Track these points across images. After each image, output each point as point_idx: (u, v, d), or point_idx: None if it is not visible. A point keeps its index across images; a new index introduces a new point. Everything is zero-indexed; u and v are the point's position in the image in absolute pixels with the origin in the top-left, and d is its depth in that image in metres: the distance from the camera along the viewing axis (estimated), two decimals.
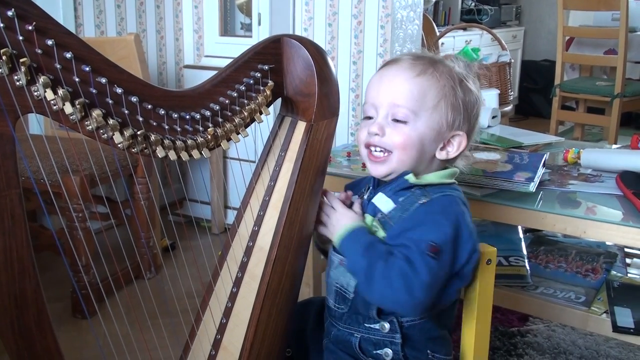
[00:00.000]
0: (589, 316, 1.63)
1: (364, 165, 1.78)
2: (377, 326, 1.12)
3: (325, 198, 1.20)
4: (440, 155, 1.14)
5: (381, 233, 1.11)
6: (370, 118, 1.14)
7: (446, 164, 1.17)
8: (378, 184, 1.18)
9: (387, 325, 1.11)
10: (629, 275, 1.84)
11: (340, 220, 1.13)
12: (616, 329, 1.57)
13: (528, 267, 1.82)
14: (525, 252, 1.90)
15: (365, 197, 1.19)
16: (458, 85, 1.12)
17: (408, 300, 1.00)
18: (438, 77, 1.11)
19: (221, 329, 1.18)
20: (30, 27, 0.86)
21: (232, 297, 1.18)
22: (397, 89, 1.10)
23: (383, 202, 1.13)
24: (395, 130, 1.10)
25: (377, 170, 1.14)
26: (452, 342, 1.21)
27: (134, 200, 2.45)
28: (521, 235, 2.00)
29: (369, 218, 1.14)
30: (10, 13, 0.84)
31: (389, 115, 1.11)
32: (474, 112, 1.16)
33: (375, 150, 1.13)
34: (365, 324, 1.13)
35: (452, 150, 1.14)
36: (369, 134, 1.12)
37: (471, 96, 1.15)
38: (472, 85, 1.15)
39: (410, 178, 1.10)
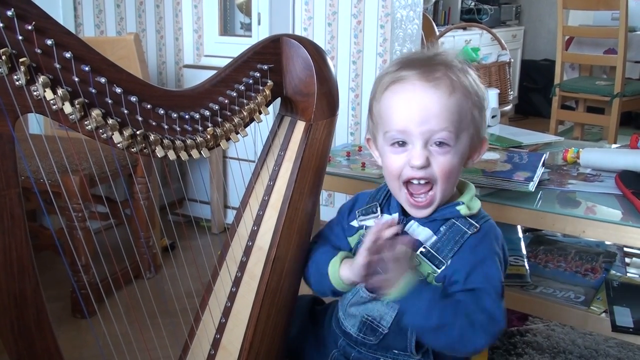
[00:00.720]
0: (588, 315, 1.63)
1: (363, 165, 1.78)
2: (407, 353, 1.08)
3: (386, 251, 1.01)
4: (468, 164, 1.08)
5: (427, 268, 1.04)
6: (401, 144, 1.03)
7: None
8: (403, 210, 1.10)
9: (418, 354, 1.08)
10: (628, 274, 1.84)
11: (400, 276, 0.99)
12: (615, 328, 1.58)
13: (527, 267, 1.82)
14: (524, 251, 1.90)
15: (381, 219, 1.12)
16: (475, 85, 1.05)
17: (486, 346, 1.01)
18: (465, 86, 1.02)
19: (220, 329, 1.18)
20: (29, 27, 0.86)
21: (232, 296, 1.18)
22: (435, 115, 0.99)
23: (420, 232, 1.07)
24: (439, 157, 1.01)
25: (421, 213, 1.06)
26: None
27: (133, 200, 2.45)
28: (520, 234, 2.00)
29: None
30: (9, 13, 0.84)
31: (428, 142, 1.00)
32: (487, 107, 1.09)
33: (419, 183, 1.03)
34: (395, 350, 1.09)
35: (476, 157, 1.09)
36: (412, 167, 1.01)
37: (482, 91, 1.07)
38: (477, 78, 1.08)
39: (463, 209, 1.05)
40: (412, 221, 1.08)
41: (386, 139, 1.05)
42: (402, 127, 1.01)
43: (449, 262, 1.03)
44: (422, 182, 1.03)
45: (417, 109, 1.00)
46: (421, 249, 1.05)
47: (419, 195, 1.04)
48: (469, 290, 1.00)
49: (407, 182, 1.05)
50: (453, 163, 1.02)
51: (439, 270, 1.03)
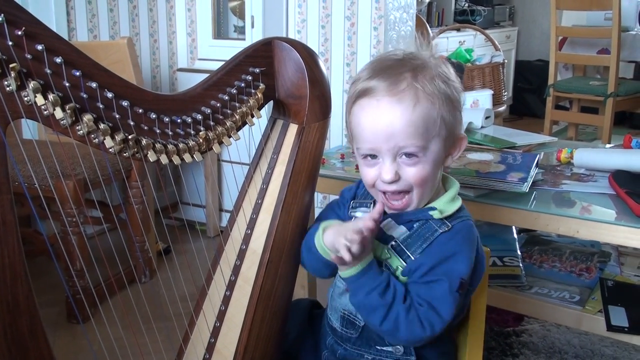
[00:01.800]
0: (584, 315, 1.63)
1: (357, 167, 1.78)
2: (389, 348, 1.10)
3: (359, 221, 1.02)
4: (447, 162, 1.09)
5: (395, 261, 1.06)
6: (373, 157, 1.05)
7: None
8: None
9: (400, 348, 1.09)
10: (622, 274, 1.84)
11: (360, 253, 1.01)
12: (610, 327, 1.58)
13: (522, 267, 1.82)
14: (519, 252, 1.90)
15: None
16: (444, 84, 1.03)
17: (427, 338, 1.02)
18: (431, 93, 1.01)
19: (215, 333, 1.18)
20: (19, 32, 0.86)
21: (226, 300, 1.18)
22: (399, 131, 1.00)
23: (394, 228, 1.08)
24: (408, 170, 1.02)
25: (396, 206, 1.07)
26: None
27: (127, 204, 2.45)
28: (515, 235, 2.00)
29: (376, 244, 1.08)
30: None
31: (396, 155, 1.02)
32: (462, 102, 1.08)
33: (395, 201, 1.06)
34: (377, 347, 1.10)
35: (456, 153, 1.10)
36: (382, 181, 1.04)
37: (455, 87, 1.06)
38: (450, 73, 1.06)
39: (436, 214, 1.06)
40: (389, 219, 1.10)
41: (358, 153, 1.08)
42: (371, 145, 1.03)
43: (417, 257, 1.05)
44: (397, 200, 1.06)
45: (383, 126, 1.01)
46: (392, 242, 1.07)
47: (395, 200, 1.07)
48: (424, 283, 1.02)
49: (384, 193, 1.07)
50: (424, 172, 1.03)
51: (405, 264, 1.05)
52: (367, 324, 1.07)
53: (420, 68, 1.03)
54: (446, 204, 1.08)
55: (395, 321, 1.00)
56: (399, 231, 1.08)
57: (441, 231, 1.05)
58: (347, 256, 0.98)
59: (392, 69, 1.03)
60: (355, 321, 1.11)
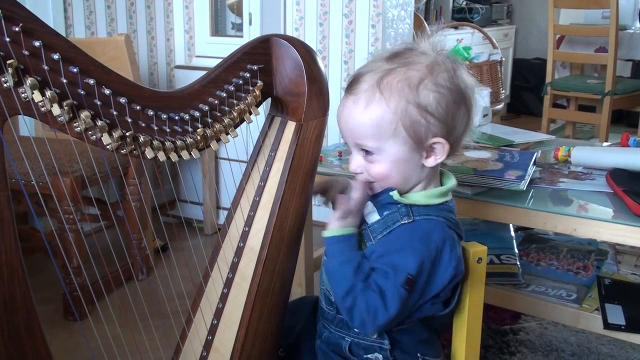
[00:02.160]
0: (581, 313, 1.64)
1: None
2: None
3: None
4: (429, 163, 1.07)
5: (362, 244, 1.10)
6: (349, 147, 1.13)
7: (441, 167, 1.15)
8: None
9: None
10: (619, 272, 1.85)
11: (347, 217, 1.09)
12: (607, 326, 1.58)
13: (519, 265, 1.82)
14: (516, 250, 1.91)
15: None
16: (415, 93, 1.02)
17: (369, 326, 1.03)
18: (387, 100, 1.02)
19: (212, 330, 1.18)
20: (17, 29, 0.86)
21: (223, 298, 1.18)
22: (353, 130, 1.06)
23: (369, 212, 1.12)
24: (369, 163, 1.08)
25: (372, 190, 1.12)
26: (444, 340, 1.21)
27: (124, 201, 2.44)
28: (512, 233, 2.00)
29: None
30: None
31: (359, 150, 1.08)
32: (445, 109, 1.04)
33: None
34: (355, 329, 1.12)
35: (439, 156, 1.07)
36: (353, 171, 1.11)
37: (433, 97, 1.03)
38: (439, 79, 1.04)
39: (395, 195, 1.07)
40: (368, 202, 1.13)
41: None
42: (342, 137, 1.12)
43: (375, 242, 1.08)
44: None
45: (342, 122, 1.09)
46: (363, 226, 1.11)
47: (368, 187, 1.11)
48: (378, 269, 1.04)
49: None
50: (382, 169, 1.07)
51: (365, 248, 1.09)
52: (332, 291, 1.09)
53: (395, 71, 1.03)
54: (416, 196, 1.09)
55: (354, 299, 1.02)
56: (373, 217, 1.11)
57: (402, 222, 1.06)
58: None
59: (371, 66, 1.07)
60: (330, 297, 1.14)
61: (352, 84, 1.07)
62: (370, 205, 1.12)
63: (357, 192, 1.09)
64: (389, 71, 1.04)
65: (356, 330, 1.11)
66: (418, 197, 1.08)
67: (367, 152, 1.07)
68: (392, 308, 1.00)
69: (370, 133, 1.04)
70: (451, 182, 1.14)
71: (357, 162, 1.09)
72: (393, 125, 1.03)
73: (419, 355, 1.13)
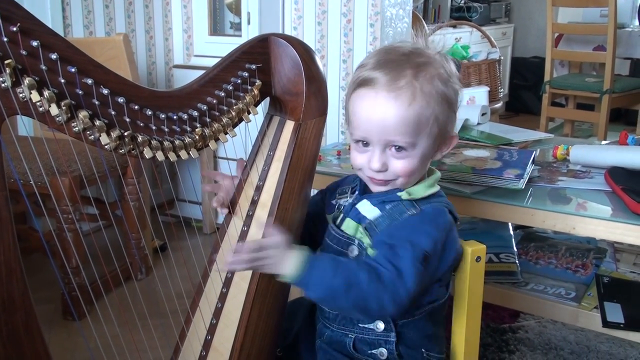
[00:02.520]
0: (579, 312, 1.64)
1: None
2: (371, 326, 1.11)
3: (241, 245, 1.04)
4: (436, 156, 1.13)
5: (366, 239, 1.10)
6: (365, 144, 1.09)
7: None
8: (364, 191, 1.16)
9: (381, 325, 1.11)
10: (618, 270, 1.85)
11: (278, 256, 1.02)
12: (606, 324, 1.58)
13: (518, 264, 1.83)
14: (515, 248, 1.91)
15: (350, 200, 1.18)
16: (443, 85, 1.06)
17: (393, 310, 1.01)
18: (428, 93, 1.04)
19: (211, 330, 1.18)
20: (14, 29, 0.86)
21: (222, 297, 1.18)
22: (390, 126, 1.04)
23: (367, 208, 1.12)
24: (396, 162, 1.07)
25: (380, 190, 1.11)
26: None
27: (123, 201, 2.44)
28: (511, 231, 2.00)
29: (352, 224, 1.13)
30: None
31: (386, 147, 1.06)
32: (458, 102, 1.12)
33: (379, 180, 1.10)
34: (360, 324, 1.12)
35: (446, 150, 1.14)
36: (371, 169, 1.08)
37: (454, 88, 1.10)
38: (452, 73, 1.10)
39: (403, 195, 1.09)
40: (365, 200, 1.13)
41: (352, 137, 1.12)
42: (363, 133, 1.08)
43: (384, 230, 1.09)
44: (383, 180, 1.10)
45: (377, 118, 1.05)
46: (364, 222, 1.11)
47: (380, 185, 1.11)
48: (388, 246, 1.03)
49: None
50: (411, 165, 1.07)
51: (371, 241, 1.09)
52: (338, 310, 1.08)
53: (423, 66, 1.06)
54: (418, 189, 1.11)
55: (360, 292, 0.99)
56: (373, 213, 1.11)
57: (409, 214, 1.08)
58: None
59: (395, 64, 1.06)
60: None
61: (387, 81, 1.04)
62: (367, 204, 1.12)
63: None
64: (420, 68, 1.05)
65: (371, 321, 1.10)
66: (418, 189, 1.11)
67: (397, 149, 1.06)
68: (410, 283, 0.99)
69: (411, 129, 1.04)
70: (435, 173, 1.17)
71: (382, 159, 1.07)
72: (430, 121, 1.06)
73: (423, 350, 1.14)
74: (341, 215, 1.17)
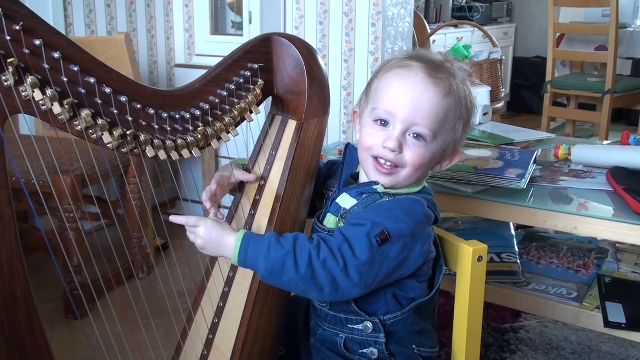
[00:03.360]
0: (581, 312, 1.64)
1: None
2: (360, 327, 1.11)
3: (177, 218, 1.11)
4: (436, 168, 1.15)
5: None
6: (383, 123, 1.08)
7: None
8: (344, 184, 1.17)
9: (370, 325, 1.10)
10: (620, 270, 1.85)
11: (218, 233, 1.07)
12: (608, 324, 1.58)
13: (520, 264, 1.83)
14: (517, 248, 1.91)
15: (331, 195, 1.19)
16: (469, 101, 1.11)
17: (345, 279, 1.00)
18: (459, 97, 1.08)
19: (213, 329, 1.18)
20: (17, 27, 0.86)
21: (224, 296, 1.18)
22: (424, 109, 1.05)
23: (346, 200, 1.13)
24: (412, 148, 1.07)
25: (382, 180, 1.10)
26: (444, 339, 1.21)
27: (125, 200, 2.44)
28: (513, 231, 2.00)
29: (332, 218, 1.14)
30: None
31: (407, 131, 1.06)
32: (472, 125, 1.17)
33: (385, 164, 1.09)
34: (349, 325, 1.12)
35: (446, 164, 1.15)
36: (384, 147, 1.07)
37: (474, 111, 1.14)
38: (474, 98, 1.14)
39: (379, 189, 1.10)
40: (344, 193, 1.14)
41: (372, 115, 1.10)
42: (390, 109, 1.07)
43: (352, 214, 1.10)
44: (388, 164, 1.09)
45: (411, 98, 1.05)
46: (341, 211, 1.12)
47: (384, 169, 1.09)
48: (350, 224, 1.06)
49: (376, 158, 1.10)
50: (424, 157, 1.08)
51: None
52: (289, 287, 1.05)
53: (456, 74, 1.10)
54: (402, 190, 1.12)
55: (309, 261, 1.00)
56: (350, 202, 1.12)
57: (382, 200, 1.09)
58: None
59: (432, 61, 1.09)
60: None
61: (428, 69, 1.06)
62: (346, 196, 1.13)
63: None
64: (456, 74, 1.09)
65: (329, 301, 1.11)
66: (400, 190, 1.12)
67: (417, 137, 1.06)
68: (360, 253, 1.00)
69: (439, 120, 1.06)
70: (420, 184, 1.17)
71: (399, 140, 1.06)
72: (453, 123, 1.09)
73: (414, 347, 1.14)
74: (323, 211, 1.18)
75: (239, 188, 1.24)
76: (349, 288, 1.02)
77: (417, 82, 1.06)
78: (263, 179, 1.19)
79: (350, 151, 1.21)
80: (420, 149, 1.07)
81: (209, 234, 1.07)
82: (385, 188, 1.10)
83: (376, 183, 1.10)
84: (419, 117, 1.05)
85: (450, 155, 1.15)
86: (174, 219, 1.10)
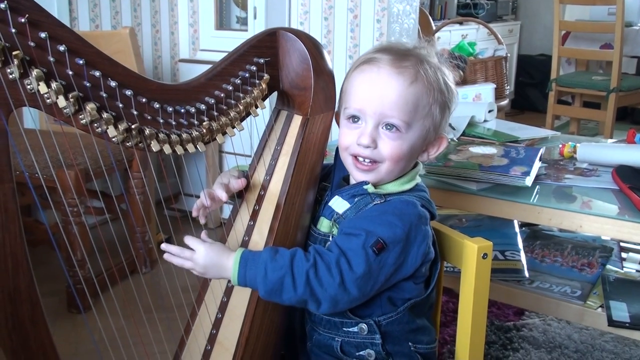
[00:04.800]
0: (585, 310, 1.63)
1: None
2: (355, 329, 1.11)
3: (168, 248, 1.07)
4: (422, 157, 1.14)
5: (336, 231, 1.11)
6: (355, 119, 1.09)
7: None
8: (336, 187, 1.17)
9: (365, 327, 1.10)
10: (624, 269, 1.84)
11: (217, 256, 1.05)
12: (611, 323, 1.58)
13: (524, 262, 1.82)
14: (521, 246, 1.90)
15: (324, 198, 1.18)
16: (443, 84, 1.08)
17: (342, 292, 1.01)
18: (429, 81, 1.06)
19: (217, 324, 1.17)
20: (22, 20, 0.85)
21: (228, 291, 1.18)
22: (390, 100, 1.04)
23: (339, 204, 1.12)
24: (386, 141, 1.06)
25: (364, 177, 1.10)
26: (448, 336, 1.20)
27: (129, 194, 2.45)
28: (517, 229, 2.00)
29: (326, 222, 1.13)
30: (2, 5, 0.83)
31: (380, 124, 1.06)
32: (453, 108, 1.13)
33: (364, 161, 1.09)
34: (344, 328, 1.12)
35: (433, 152, 1.14)
36: (359, 144, 1.07)
37: (452, 93, 1.11)
38: (451, 80, 1.11)
39: (369, 188, 1.09)
40: (336, 196, 1.13)
41: (344, 114, 1.11)
42: (359, 106, 1.07)
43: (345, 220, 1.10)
44: (367, 161, 1.08)
45: (376, 91, 1.05)
46: (334, 216, 1.11)
47: (363, 167, 1.09)
48: (344, 234, 1.05)
49: (355, 157, 1.10)
50: (400, 149, 1.07)
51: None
52: (290, 303, 1.06)
53: (426, 59, 1.08)
54: (388, 186, 1.11)
55: (306, 280, 1.00)
56: (344, 206, 1.11)
57: (374, 203, 1.08)
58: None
59: (400, 50, 1.09)
60: None
61: (392, 60, 1.05)
62: (338, 199, 1.13)
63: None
64: (424, 59, 1.07)
65: (327, 311, 1.08)
66: (391, 187, 1.11)
67: (390, 128, 1.06)
68: (357, 267, 1.00)
69: (409, 109, 1.05)
70: (418, 164, 1.16)
71: (372, 135, 1.06)
72: (427, 108, 1.07)
73: (410, 344, 1.13)
74: (317, 214, 1.18)
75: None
76: (348, 302, 1.03)
77: (380, 74, 1.06)
78: (268, 174, 1.19)
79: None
80: (395, 140, 1.06)
81: (208, 259, 1.05)
82: (374, 186, 1.09)
83: (366, 183, 1.09)
84: (387, 108, 1.04)
85: (435, 142, 1.13)
86: (165, 247, 1.07)
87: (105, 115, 0.95)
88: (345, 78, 1.14)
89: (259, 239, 1.15)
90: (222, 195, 1.16)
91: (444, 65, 1.11)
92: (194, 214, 1.15)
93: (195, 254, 1.05)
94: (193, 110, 1.04)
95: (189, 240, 1.06)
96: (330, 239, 1.11)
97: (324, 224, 1.14)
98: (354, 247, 1.02)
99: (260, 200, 1.19)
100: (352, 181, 1.15)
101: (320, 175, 1.24)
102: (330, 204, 1.14)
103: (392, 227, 1.03)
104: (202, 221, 1.16)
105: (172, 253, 1.06)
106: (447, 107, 1.10)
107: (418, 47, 1.10)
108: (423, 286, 1.14)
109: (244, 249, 1.06)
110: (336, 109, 1.19)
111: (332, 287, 1.00)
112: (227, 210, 3.02)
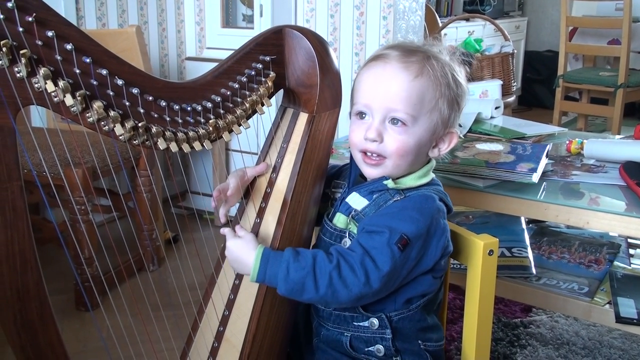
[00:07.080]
0: (592, 307, 1.63)
1: None
2: (366, 324, 1.11)
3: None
4: (433, 153, 1.13)
5: (354, 228, 1.11)
6: (363, 115, 1.10)
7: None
8: (353, 183, 1.17)
9: (376, 322, 1.10)
10: (632, 266, 1.84)
11: (239, 252, 1.07)
12: (619, 319, 1.57)
13: (531, 258, 1.82)
14: (528, 243, 1.90)
15: (339, 195, 1.18)
16: (452, 80, 1.09)
17: (367, 290, 1.01)
18: (436, 76, 1.07)
19: (224, 321, 1.18)
20: (30, 19, 0.86)
21: (235, 289, 1.18)
22: (395, 94, 1.05)
23: (356, 200, 1.12)
24: (393, 136, 1.07)
25: (372, 173, 1.11)
26: (455, 333, 1.20)
27: (136, 192, 2.45)
28: (524, 226, 1.99)
29: (342, 217, 1.13)
30: (10, 4, 0.84)
31: (386, 119, 1.07)
32: (463, 105, 1.13)
33: (372, 155, 1.10)
34: (354, 323, 1.12)
35: (444, 148, 1.14)
36: (366, 139, 1.08)
37: (462, 89, 1.12)
38: (462, 76, 1.12)
39: (389, 183, 1.09)
40: (354, 192, 1.14)
41: (353, 110, 1.13)
42: (366, 101, 1.09)
43: (365, 218, 1.10)
44: (374, 155, 1.09)
45: (382, 85, 1.07)
46: (352, 212, 1.12)
47: (370, 161, 1.10)
48: (367, 232, 1.05)
49: (364, 152, 1.11)
50: (406, 143, 1.07)
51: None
52: (309, 302, 1.07)
53: (435, 56, 1.09)
54: (406, 180, 1.12)
55: (329, 282, 1.00)
56: (362, 203, 1.11)
57: (394, 200, 1.09)
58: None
59: (409, 47, 1.10)
60: None
61: (399, 55, 1.07)
62: (356, 195, 1.13)
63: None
64: (432, 55, 1.08)
65: (351, 307, 1.10)
66: (406, 180, 1.11)
67: (396, 122, 1.06)
68: (382, 264, 1.01)
69: (413, 102, 1.05)
70: (432, 160, 1.17)
71: (378, 129, 1.07)
72: (434, 100, 1.07)
73: (419, 342, 1.13)
74: (332, 210, 1.18)
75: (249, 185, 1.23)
76: (371, 297, 1.04)
77: (386, 69, 1.07)
78: (274, 172, 1.19)
79: None
80: (400, 134, 1.06)
81: (230, 253, 1.08)
82: (394, 181, 1.09)
83: (386, 178, 1.09)
84: (392, 102, 1.05)
85: (445, 137, 1.13)
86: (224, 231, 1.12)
87: (112, 113, 0.95)
88: (356, 76, 1.15)
89: (265, 236, 1.16)
90: (233, 183, 1.18)
91: (455, 63, 1.11)
92: (212, 205, 1.18)
93: (226, 250, 1.09)
94: (199, 108, 1.04)
95: (225, 232, 1.10)
96: (347, 235, 1.12)
97: (341, 220, 1.14)
98: (378, 245, 1.02)
99: (266, 197, 1.19)
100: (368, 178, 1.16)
101: (332, 174, 1.25)
102: (347, 200, 1.14)
103: (415, 222, 1.04)
104: (222, 220, 1.17)
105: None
106: (455, 102, 1.10)
107: (429, 45, 1.11)
108: (440, 281, 1.15)
109: (263, 246, 1.07)
110: (349, 108, 1.20)
111: (357, 286, 1.01)
112: (233, 208, 3.02)
